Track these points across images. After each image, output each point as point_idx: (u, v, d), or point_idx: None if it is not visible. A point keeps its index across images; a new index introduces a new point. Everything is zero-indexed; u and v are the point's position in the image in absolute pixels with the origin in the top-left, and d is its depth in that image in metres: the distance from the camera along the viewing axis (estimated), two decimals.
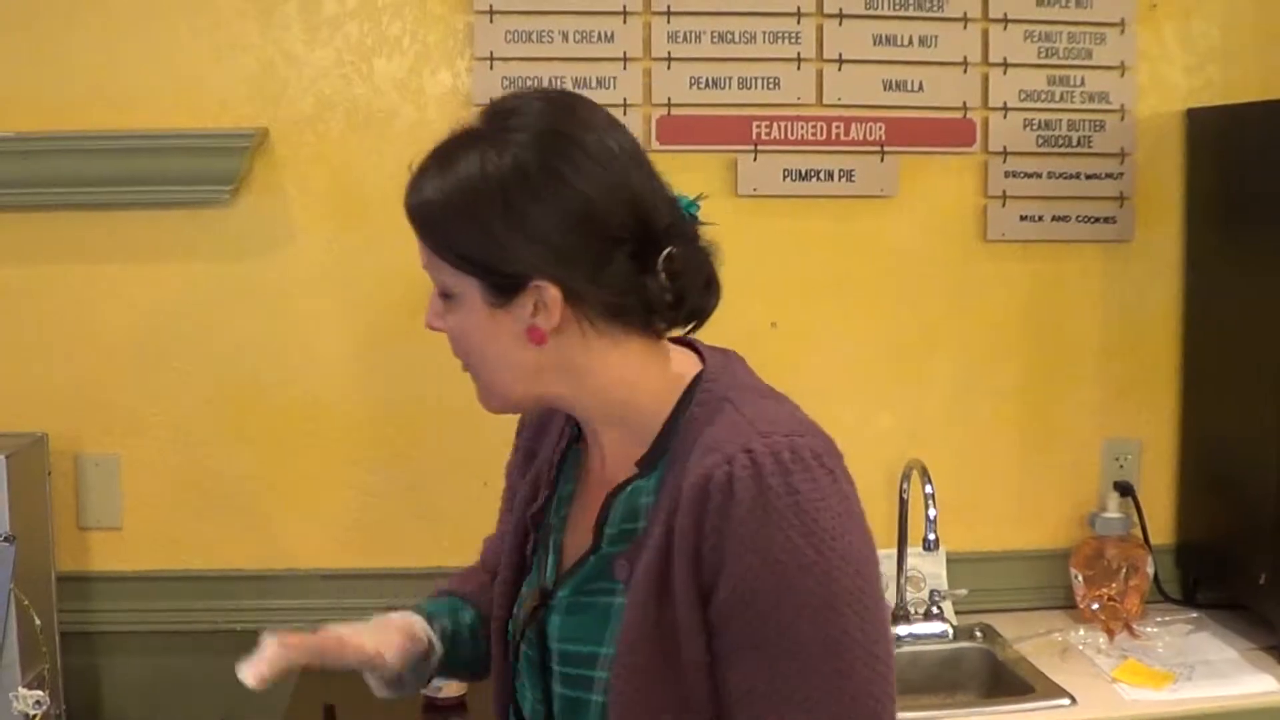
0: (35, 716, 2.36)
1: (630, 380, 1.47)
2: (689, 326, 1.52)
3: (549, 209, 1.40)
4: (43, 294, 2.69)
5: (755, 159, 2.77)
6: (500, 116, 1.44)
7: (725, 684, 1.38)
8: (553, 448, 1.62)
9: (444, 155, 1.44)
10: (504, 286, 1.42)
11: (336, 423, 2.77)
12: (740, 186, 2.78)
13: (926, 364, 2.87)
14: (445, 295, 1.47)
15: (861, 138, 2.80)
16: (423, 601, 1.72)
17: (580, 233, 1.40)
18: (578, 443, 1.59)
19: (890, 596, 2.80)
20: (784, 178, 2.79)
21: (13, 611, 2.36)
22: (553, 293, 1.41)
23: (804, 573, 1.34)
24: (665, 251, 1.44)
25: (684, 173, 2.72)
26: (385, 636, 1.56)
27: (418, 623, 1.63)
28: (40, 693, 2.36)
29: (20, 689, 2.37)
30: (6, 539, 2.31)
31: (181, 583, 2.77)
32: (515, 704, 1.60)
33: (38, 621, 2.47)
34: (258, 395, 2.74)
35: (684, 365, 1.50)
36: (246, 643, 1.46)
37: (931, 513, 2.58)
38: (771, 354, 2.75)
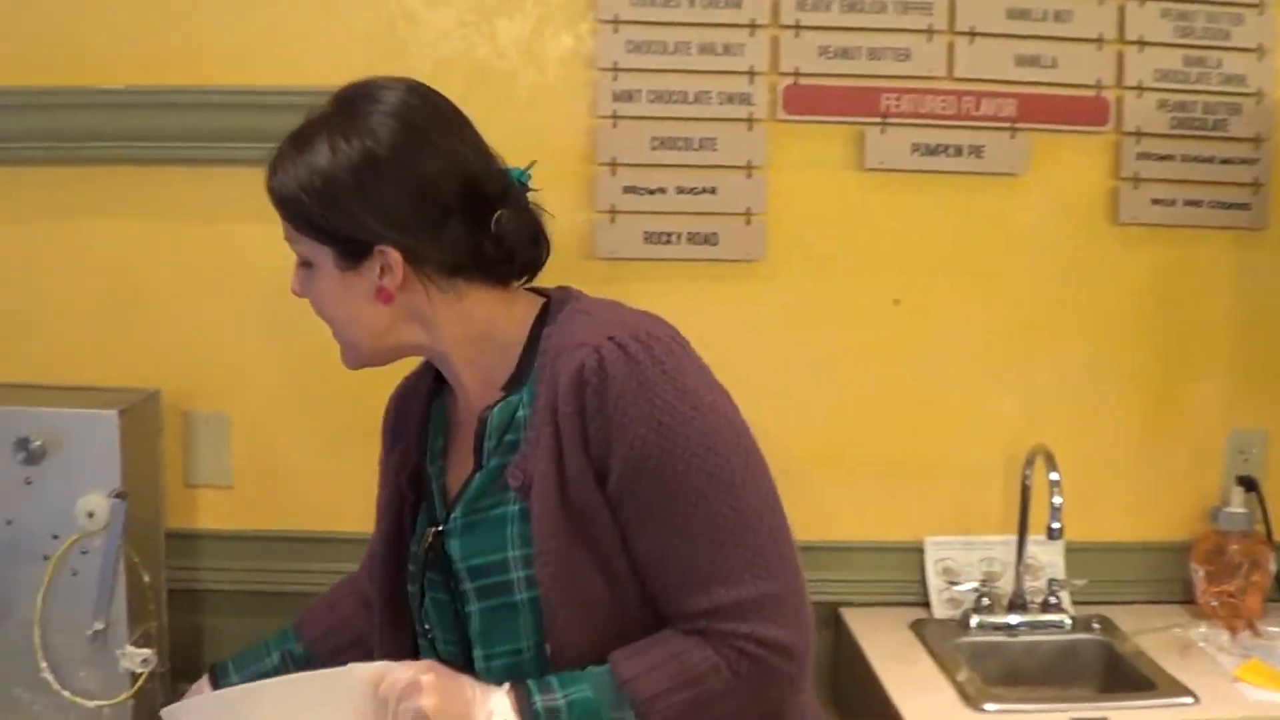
0: (141, 675, 2.33)
1: (479, 323, 1.67)
2: (525, 278, 1.72)
3: (391, 186, 1.59)
4: (159, 249, 2.67)
5: (883, 132, 2.70)
6: (349, 104, 1.64)
7: (636, 553, 1.58)
8: (414, 416, 1.79)
9: (299, 140, 1.63)
10: (353, 253, 1.63)
11: None
12: (867, 160, 2.71)
13: (1050, 347, 2.79)
14: (305, 264, 1.68)
15: (992, 113, 2.72)
16: (240, 654, 2.07)
17: (418, 205, 1.61)
18: (440, 398, 1.78)
19: (1007, 584, 2.75)
20: (912, 152, 2.71)
21: (122, 568, 2.33)
22: (395, 256, 1.62)
23: (687, 428, 1.53)
24: (495, 215, 1.64)
25: (809, 144, 2.73)
26: None
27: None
28: (147, 651, 2.34)
29: (128, 646, 2.35)
30: (118, 495, 2.28)
31: (289, 543, 2.75)
32: None
33: (146, 578, 2.44)
34: None
35: (533, 303, 1.70)
36: None
37: (1056, 500, 2.51)
38: (892, 331, 2.75)
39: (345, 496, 2.71)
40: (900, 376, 2.78)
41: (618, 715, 1.53)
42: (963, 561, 2.82)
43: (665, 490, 1.54)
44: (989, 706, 2.37)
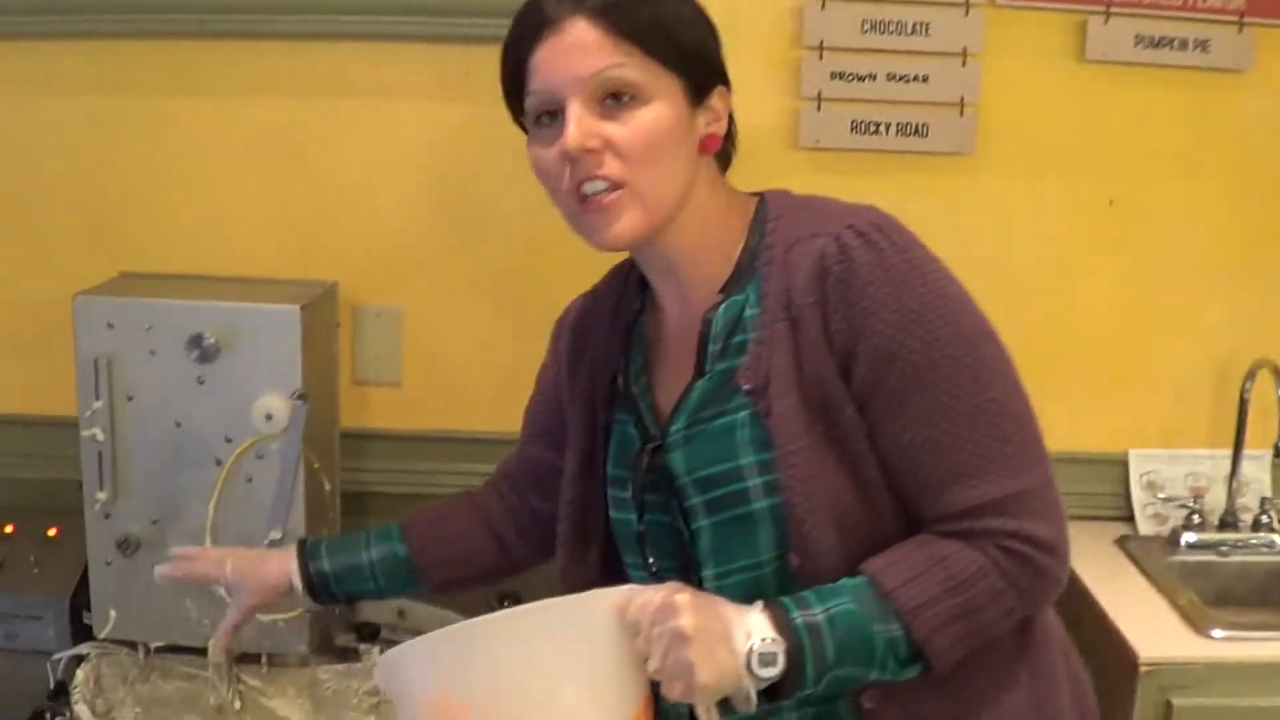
0: None
1: (714, 210, 1.57)
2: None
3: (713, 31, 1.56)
4: (331, 130, 2.51)
5: (1106, 22, 2.50)
6: None
7: (886, 451, 1.48)
8: (605, 335, 1.69)
9: None
10: (702, 89, 1.54)
11: None
12: (1088, 51, 2.51)
13: (1272, 256, 2.59)
14: (620, 95, 1.49)
15: (1219, 5, 2.51)
16: (334, 537, 1.95)
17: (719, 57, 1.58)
18: (638, 316, 1.67)
19: (1217, 500, 2.63)
20: (1135, 44, 2.51)
21: (301, 474, 2.18)
22: (728, 101, 1.56)
23: (936, 314, 1.45)
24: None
25: (1027, 32, 2.52)
26: (249, 568, 1.92)
27: (275, 565, 1.92)
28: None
29: None
30: (299, 397, 2.13)
31: (457, 444, 2.61)
32: None
33: (327, 486, 2.30)
34: (552, 249, 2.50)
35: (747, 199, 1.61)
36: None
37: None
38: (1107, 233, 2.57)
39: (517, 397, 2.54)
40: (1113, 281, 2.62)
41: (883, 628, 1.42)
42: (1167, 476, 2.68)
43: (917, 380, 1.45)
44: (1216, 633, 2.26)
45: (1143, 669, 2.18)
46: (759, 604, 1.45)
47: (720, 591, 1.53)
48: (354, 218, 2.52)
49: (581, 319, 1.77)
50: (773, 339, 1.50)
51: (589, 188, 1.50)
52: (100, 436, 2.18)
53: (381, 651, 2.02)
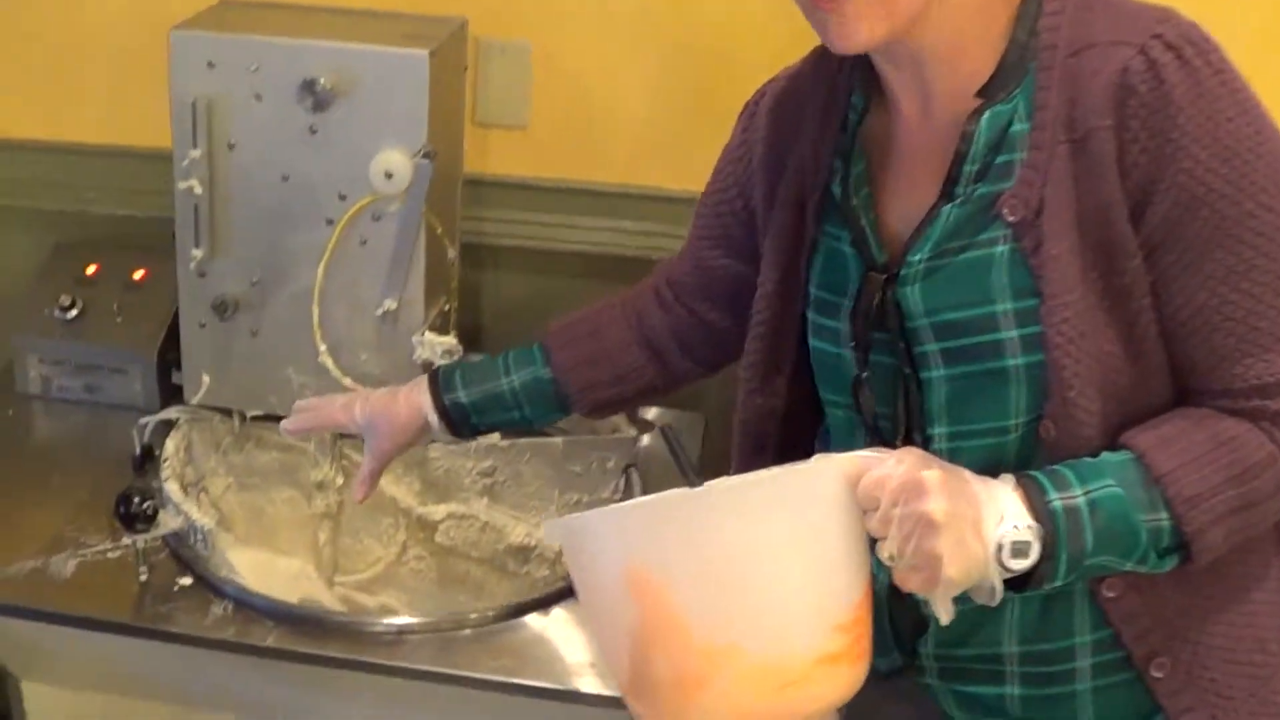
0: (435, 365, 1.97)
1: None
2: None
3: None
4: None
5: None
6: None
7: (1172, 311, 1.28)
8: (814, 131, 1.44)
9: None
10: None
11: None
12: None
13: None
14: None
15: None
16: (469, 365, 1.79)
17: None
18: (861, 114, 1.41)
19: None
20: None
21: (422, 239, 1.92)
22: None
23: (1255, 156, 1.23)
24: None
25: None
26: (379, 409, 1.77)
27: (406, 403, 1.77)
28: (450, 340, 1.98)
29: (426, 333, 1.98)
30: (425, 155, 1.85)
31: (586, 197, 2.33)
32: None
33: (451, 253, 2.04)
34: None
35: None
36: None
37: None
38: None
39: (659, 149, 2.28)
40: None
41: (1149, 518, 1.24)
42: None
43: (1223, 230, 1.24)
44: None
45: None
46: (1010, 480, 1.26)
47: (952, 455, 1.33)
48: None
49: (782, 105, 1.52)
50: (1048, 163, 1.27)
51: None
52: (198, 189, 1.92)
53: None
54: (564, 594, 1.86)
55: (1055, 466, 1.29)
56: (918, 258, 1.36)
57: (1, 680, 2.09)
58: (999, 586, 1.22)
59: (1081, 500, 1.24)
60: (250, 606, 1.84)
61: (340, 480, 2.08)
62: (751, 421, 1.59)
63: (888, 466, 1.20)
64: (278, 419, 2.01)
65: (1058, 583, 1.26)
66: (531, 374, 1.73)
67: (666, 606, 1.17)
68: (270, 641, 1.80)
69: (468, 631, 1.82)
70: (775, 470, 1.29)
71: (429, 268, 1.97)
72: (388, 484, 2.11)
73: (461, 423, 1.74)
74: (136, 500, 1.83)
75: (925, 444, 1.39)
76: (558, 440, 2.10)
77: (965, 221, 1.32)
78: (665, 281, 1.74)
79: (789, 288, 1.51)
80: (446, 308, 2.07)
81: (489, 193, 2.30)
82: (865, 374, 1.43)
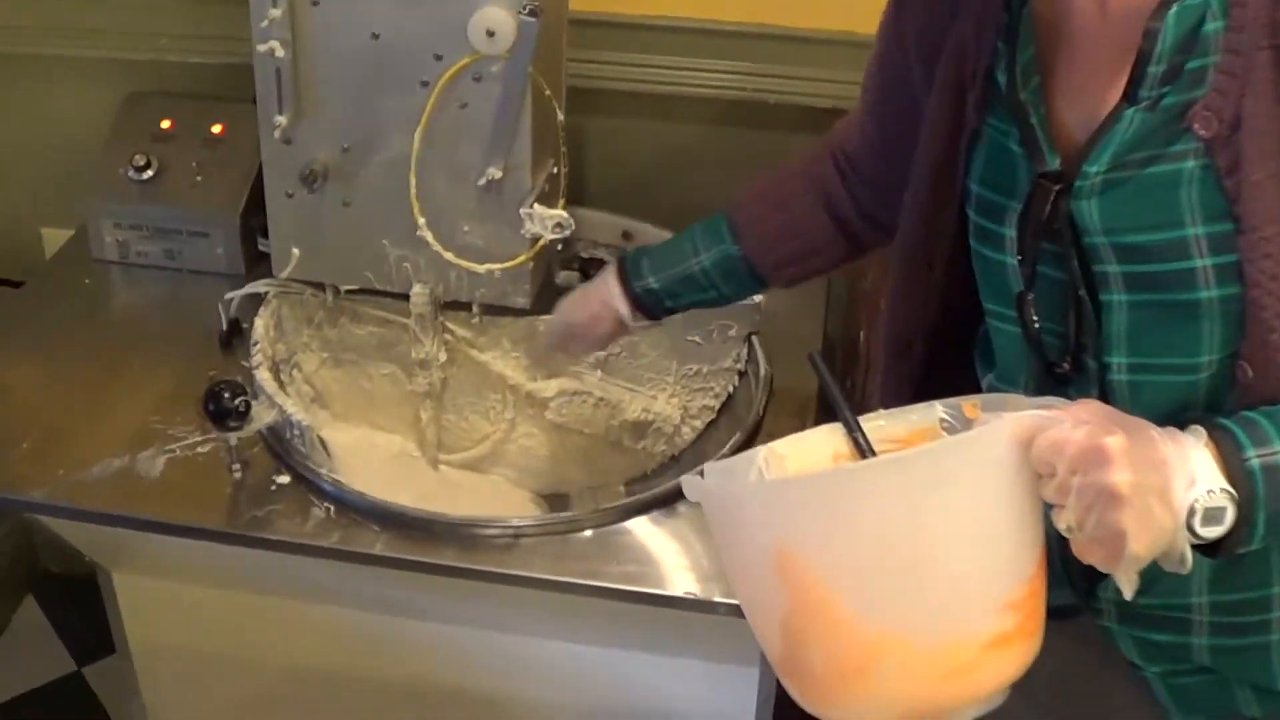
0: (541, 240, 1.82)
1: None
2: None
3: None
4: None
5: None
6: None
7: None
8: (978, 8, 1.25)
9: None
10: None
11: None
12: None
13: None
14: None
15: None
16: (654, 250, 1.70)
17: None
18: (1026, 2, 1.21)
19: None
20: None
21: (528, 103, 1.73)
22: None
23: None
24: None
25: None
26: (576, 317, 1.75)
27: (597, 301, 1.71)
28: (561, 213, 1.79)
29: (536, 206, 1.79)
30: (531, 12, 1.64)
31: (702, 37, 2.12)
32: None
33: (560, 116, 1.85)
34: None
35: None
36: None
37: None
38: None
39: None
40: None
41: None
42: None
43: None
44: None
45: None
46: (1201, 435, 1.08)
47: (1133, 390, 1.20)
48: None
49: None
50: (1247, 71, 1.09)
51: None
52: (279, 51, 1.73)
53: None
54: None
55: (1251, 414, 1.12)
56: (1095, 168, 1.19)
57: (92, 573, 1.98)
58: (1189, 555, 1.07)
59: None
60: (354, 508, 1.71)
61: (443, 357, 1.93)
62: (899, 324, 1.44)
63: (1065, 429, 1.03)
64: (373, 293, 1.86)
65: (1254, 546, 1.10)
66: (721, 252, 1.64)
67: (820, 593, 1.05)
68: (378, 548, 1.67)
69: (587, 534, 1.68)
70: (940, 444, 1.13)
71: (535, 131, 1.78)
72: (495, 359, 1.96)
73: (655, 307, 1.68)
74: (227, 396, 1.69)
75: (1101, 372, 1.24)
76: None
77: (1151, 131, 1.15)
78: (842, 152, 1.59)
79: (946, 182, 1.34)
80: (555, 170, 1.88)
81: (596, 33, 2.10)
82: (1031, 290, 1.28)
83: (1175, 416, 1.17)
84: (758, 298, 1.91)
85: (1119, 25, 1.17)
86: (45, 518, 1.81)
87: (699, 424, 2.00)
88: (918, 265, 1.40)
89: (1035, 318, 1.29)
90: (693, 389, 1.97)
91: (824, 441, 1.24)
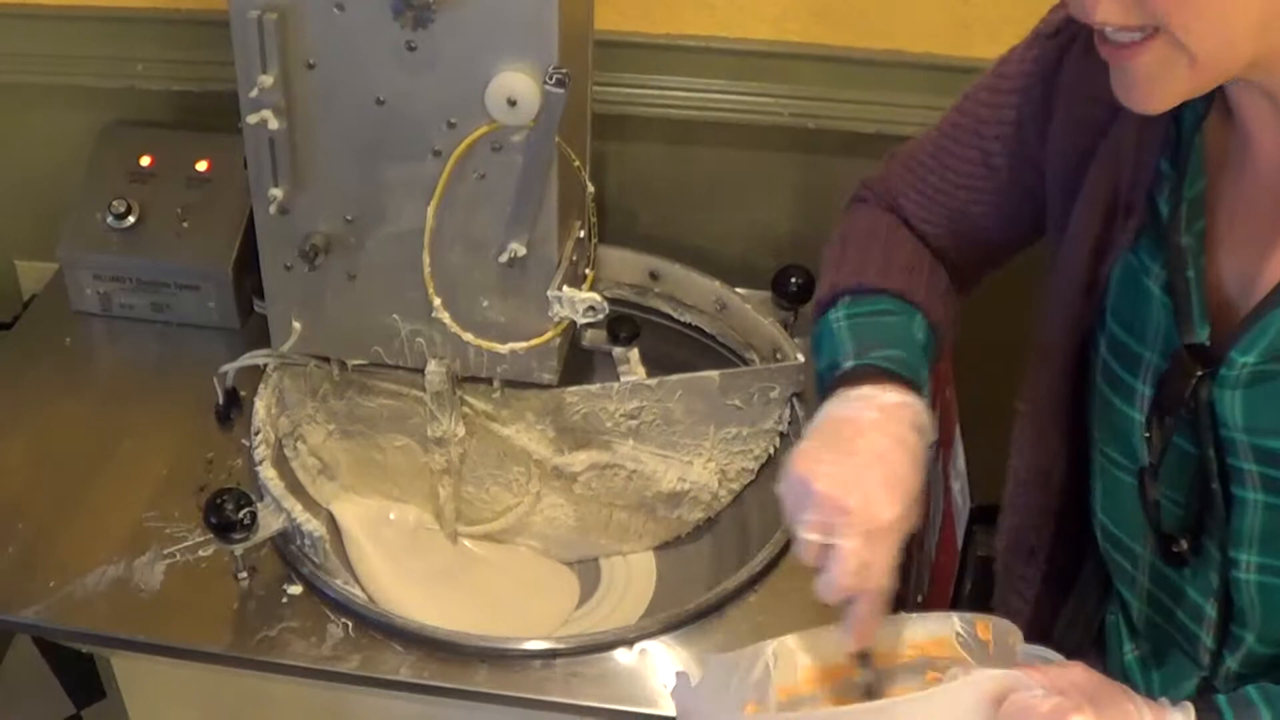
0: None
1: None
2: None
3: None
4: None
5: None
6: None
7: None
8: (1138, 121, 1.08)
9: None
10: None
11: None
12: None
13: None
14: None
15: None
16: (893, 354, 1.21)
17: None
18: (1200, 119, 1.07)
19: None
20: None
21: (555, 175, 1.55)
22: None
23: None
24: None
25: None
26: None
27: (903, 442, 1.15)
28: (594, 297, 1.62)
29: (564, 288, 1.63)
30: (558, 83, 1.46)
31: (731, 58, 1.93)
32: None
33: (590, 188, 1.68)
34: None
35: None
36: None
37: None
38: None
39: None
40: None
41: None
42: None
43: None
44: None
45: None
46: (1190, 713, 1.00)
47: (1263, 592, 1.08)
48: None
49: (1094, 53, 1.05)
50: None
51: (1110, 31, 0.97)
52: (273, 123, 1.54)
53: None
54: (742, 588, 1.61)
55: (1253, 695, 1.03)
56: (1245, 359, 1.04)
57: (90, 659, 1.83)
58: None
59: None
60: (373, 625, 1.56)
61: (461, 432, 1.77)
62: (1034, 453, 1.31)
63: (1035, 695, 0.97)
64: (384, 367, 1.71)
65: None
66: (921, 324, 1.31)
67: None
68: (403, 673, 1.54)
69: (628, 651, 1.53)
70: (911, 697, 1.08)
71: (561, 203, 1.60)
72: (517, 433, 1.80)
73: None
74: (230, 508, 1.53)
75: (1225, 565, 1.11)
76: (713, 374, 1.78)
77: None
78: (903, 219, 1.38)
79: (1085, 308, 1.19)
80: (582, 235, 1.71)
81: (620, 55, 1.92)
82: (1159, 465, 1.13)
83: None
84: (800, 357, 1.75)
85: None
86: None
87: (736, 487, 1.86)
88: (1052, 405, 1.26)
89: (1158, 487, 1.15)
90: (731, 453, 1.82)
91: (839, 640, 1.17)
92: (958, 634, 1.17)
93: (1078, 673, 1.01)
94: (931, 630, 1.18)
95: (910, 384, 1.19)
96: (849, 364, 1.20)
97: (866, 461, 1.10)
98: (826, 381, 1.23)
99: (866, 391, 1.17)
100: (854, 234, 1.39)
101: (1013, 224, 1.30)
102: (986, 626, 1.15)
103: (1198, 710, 1.01)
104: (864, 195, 1.40)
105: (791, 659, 1.18)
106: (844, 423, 1.15)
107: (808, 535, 1.09)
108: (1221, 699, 1.03)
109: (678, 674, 1.14)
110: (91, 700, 2.54)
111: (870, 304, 1.28)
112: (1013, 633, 1.11)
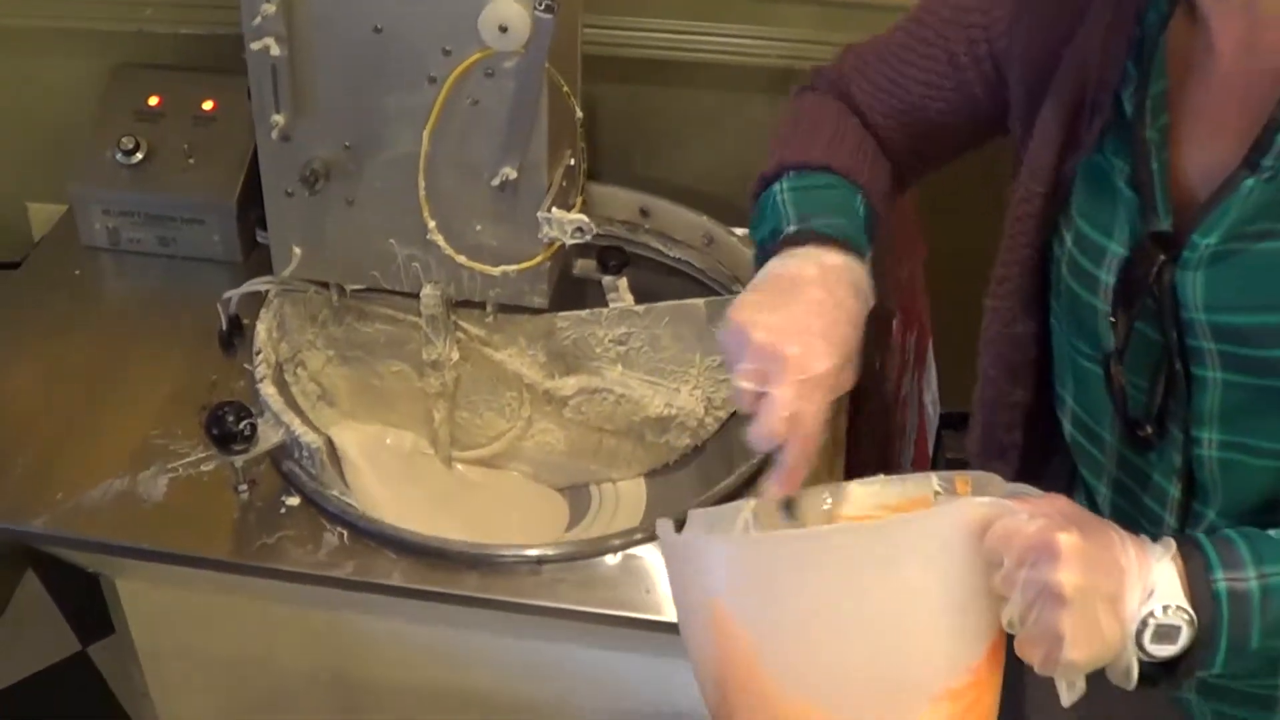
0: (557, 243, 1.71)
1: None
2: None
3: None
4: None
5: None
6: None
7: None
8: (1111, 15, 1.14)
9: None
10: None
11: None
12: None
13: None
14: None
15: None
16: (827, 216, 1.25)
17: None
18: (1163, 21, 1.11)
19: None
20: None
21: (545, 100, 1.61)
22: None
23: None
24: None
25: None
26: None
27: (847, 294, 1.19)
28: (581, 217, 1.67)
29: (554, 210, 1.69)
30: (547, 8, 1.52)
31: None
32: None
33: (579, 113, 1.73)
34: None
35: None
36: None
37: None
38: None
39: None
40: None
41: None
42: None
43: None
44: None
45: None
46: (1171, 548, 1.01)
47: (1224, 470, 1.11)
48: None
49: None
50: None
51: None
52: (275, 50, 1.60)
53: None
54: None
55: (1232, 534, 1.05)
56: (1207, 240, 1.08)
57: (95, 581, 1.90)
58: (1135, 670, 1.01)
59: (1254, 584, 1.01)
60: (367, 534, 1.62)
61: (456, 357, 1.83)
62: (1003, 349, 1.34)
63: (1020, 520, 0.98)
64: (381, 291, 1.77)
65: (1214, 671, 1.03)
66: (862, 202, 1.33)
67: (745, 656, 1.03)
68: (395, 578, 1.59)
69: (613, 558, 1.59)
70: (885, 521, 1.10)
71: (552, 129, 1.66)
72: (510, 358, 1.86)
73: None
74: (230, 419, 1.59)
75: (1188, 444, 1.15)
76: (699, 302, 1.83)
77: (1270, 204, 1.05)
78: (859, 112, 1.39)
79: (1053, 205, 1.23)
80: (571, 163, 1.77)
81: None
82: (1124, 349, 1.18)
83: (1270, 505, 1.09)
84: None
85: (1260, 76, 1.06)
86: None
87: (723, 414, 1.91)
88: (1024, 297, 1.30)
89: (1122, 370, 1.19)
90: (716, 380, 1.88)
91: (817, 499, 1.19)
92: (936, 492, 1.17)
93: (1063, 503, 1.03)
94: (908, 491, 1.17)
95: (852, 249, 1.22)
96: (791, 228, 1.23)
97: (804, 313, 1.13)
98: (768, 247, 1.26)
99: (809, 251, 1.20)
100: (803, 116, 1.41)
101: (967, 124, 1.35)
102: (966, 481, 1.14)
103: (1179, 543, 1.04)
104: (816, 84, 1.45)
105: (772, 518, 1.19)
106: (785, 278, 1.18)
107: (743, 383, 1.11)
108: (1201, 535, 1.06)
109: (659, 520, 1.13)
110: (98, 636, 2.60)
111: (814, 179, 1.31)
112: (994, 482, 1.08)
